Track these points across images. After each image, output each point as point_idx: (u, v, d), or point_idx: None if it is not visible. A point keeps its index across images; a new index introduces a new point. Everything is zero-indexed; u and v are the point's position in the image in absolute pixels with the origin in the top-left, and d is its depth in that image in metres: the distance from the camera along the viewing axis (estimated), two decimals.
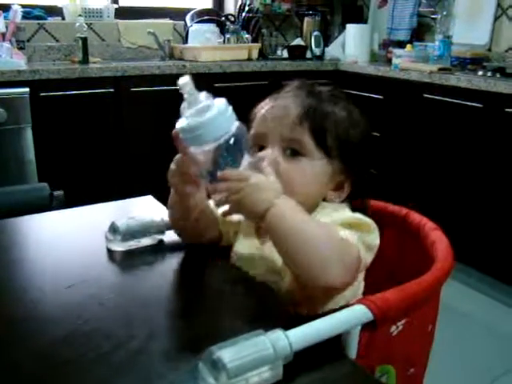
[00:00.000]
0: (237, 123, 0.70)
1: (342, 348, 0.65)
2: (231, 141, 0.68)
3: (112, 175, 2.69)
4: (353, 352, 0.65)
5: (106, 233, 0.89)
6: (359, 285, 0.83)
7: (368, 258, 0.77)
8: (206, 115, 0.67)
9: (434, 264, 0.77)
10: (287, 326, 0.59)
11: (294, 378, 0.57)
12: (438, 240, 0.84)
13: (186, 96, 0.69)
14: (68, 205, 1.43)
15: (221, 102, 0.70)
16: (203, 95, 0.69)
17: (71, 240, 0.95)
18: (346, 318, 0.62)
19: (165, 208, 1.10)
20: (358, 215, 0.79)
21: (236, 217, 0.73)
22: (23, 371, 0.58)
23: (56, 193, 1.47)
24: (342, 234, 0.74)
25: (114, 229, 0.88)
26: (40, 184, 1.59)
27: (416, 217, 0.92)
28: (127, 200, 1.14)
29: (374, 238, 0.78)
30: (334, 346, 0.63)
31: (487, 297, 2.40)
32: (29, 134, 2.38)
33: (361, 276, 0.83)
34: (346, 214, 0.80)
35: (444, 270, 0.75)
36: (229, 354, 0.53)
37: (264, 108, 0.86)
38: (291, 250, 0.70)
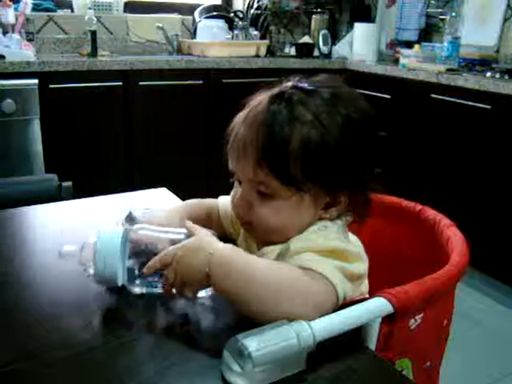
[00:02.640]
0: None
1: (362, 341, 0.66)
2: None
3: (119, 168, 2.69)
4: (372, 345, 0.66)
5: (122, 222, 0.89)
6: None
7: (349, 288, 0.68)
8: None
9: (450, 259, 0.77)
10: None
11: (316, 369, 0.57)
12: (454, 236, 0.84)
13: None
14: (76, 197, 1.43)
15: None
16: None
17: (85, 231, 0.95)
18: (367, 309, 0.63)
19: (179, 199, 1.11)
20: (340, 244, 0.71)
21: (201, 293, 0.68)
22: (44, 360, 0.59)
23: (65, 184, 1.48)
24: (313, 265, 0.66)
25: (130, 218, 0.88)
26: (49, 175, 1.59)
27: (431, 213, 0.92)
28: (141, 191, 1.15)
29: (357, 267, 0.71)
30: (354, 338, 0.63)
31: (490, 298, 2.41)
32: (37, 126, 2.39)
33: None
34: (328, 242, 0.71)
35: (461, 264, 0.75)
36: (254, 342, 0.53)
37: (232, 135, 0.76)
38: (240, 293, 0.63)
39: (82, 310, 0.68)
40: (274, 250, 0.75)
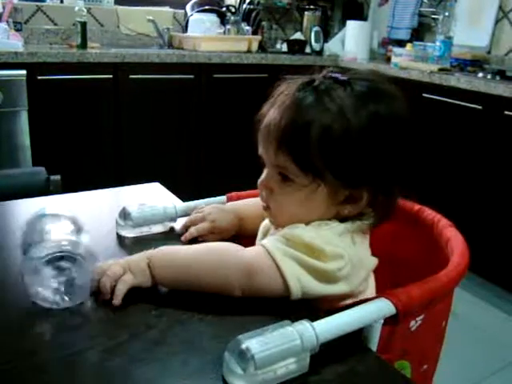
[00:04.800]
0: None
1: (363, 341, 0.64)
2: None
3: (108, 162, 2.66)
4: (373, 346, 0.64)
5: (116, 218, 0.88)
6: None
7: (306, 278, 0.67)
8: None
9: (450, 260, 0.76)
10: (312, 318, 0.58)
11: (319, 371, 0.56)
12: (453, 237, 0.83)
13: None
14: (64, 190, 1.41)
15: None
16: None
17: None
18: (370, 310, 0.62)
19: (173, 195, 1.09)
20: (317, 242, 0.68)
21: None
22: (36, 361, 0.56)
23: (53, 177, 1.45)
24: (268, 244, 0.69)
25: (125, 214, 0.87)
26: (37, 168, 1.56)
27: (429, 213, 0.91)
28: (134, 186, 1.12)
29: (330, 266, 0.68)
30: (356, 339, 0.62)
31: (487, 303, 2.40)
32: (24, 118, 2.34)
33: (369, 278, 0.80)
34: (305, 236, 0.69)
35: (462, 266, 0.74)
36: (257, 344, 0.52)
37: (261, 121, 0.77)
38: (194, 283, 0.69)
39: (72, 309, 0.66)
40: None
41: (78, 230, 0.76)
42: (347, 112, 0.68)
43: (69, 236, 0.74)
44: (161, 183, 1.15)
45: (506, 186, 2.28)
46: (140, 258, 0.70)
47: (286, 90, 0.74)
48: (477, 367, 1.95)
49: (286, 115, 0.70)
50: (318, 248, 0.68)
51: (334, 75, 0.72)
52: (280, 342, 0.53)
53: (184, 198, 1.06)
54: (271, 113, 0.73)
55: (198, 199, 0.96)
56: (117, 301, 0.65)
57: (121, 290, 0.66)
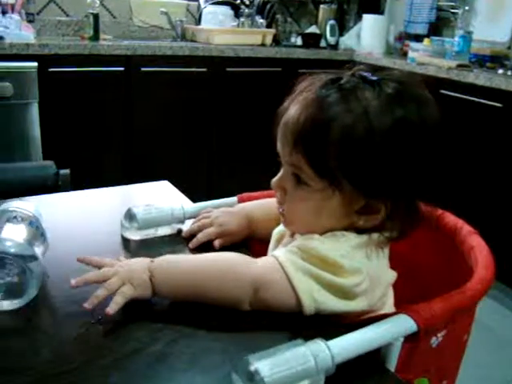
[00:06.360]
0: None
1: (381, 360, 0.60)
2: None
3: (118, 156, 2.63)
4: (392, 365, 0.60)
5: (121, 220, 0.84)
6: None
7: (323, 294, 0.63)
8: None
9: (475, 272, 0.71)
10: (327, 335, 0.53)
11: None
12: (477, 246, 0.78)
13: None
14: (73, 184, 1.38)
15: None
16: None
17: (83, 226, 0.89)
18: (390, 328, 0.57)
19: (182, 194, 1.05)
20: (333, 256, 0.64)
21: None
22: (30, 377, 0.53)
23: (62, 171, 1.43)
24: (280, 256, 0.66)
25: (130, 216, 0.83)
26: (46, 162, 1.54)
27: (451, 219, 0.87)
28: (142, 184, 1.08)
29: (346, 281, 0.64)
30: (373, 357, 0.58)
31: (506, 309, 2.35)
32: (35, 110, 2.31)
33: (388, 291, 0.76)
34: (321, 249, 0.65)
35: (487, 279, 0.70)
36: (267, 366, 0.48)
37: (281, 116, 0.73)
38: (186, 291, 0.66)
39: (70, 320, 0.62)
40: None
41: (35, 234, 0.69)
42: (372, 114, 0.63)
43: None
44: (171, 179, 1.11)
45: None
46: (141, 268, 0.66)
47: (309, 86, 0.68)
48: (494, 375, 1.89)
49: (306, 112, 0.65)
50: (334, 262, 0.63)
51: (363, 74, 0.67)
52: (292, 364, 0.48)
53: (194, 196, 1.02)
54: (292, 108, 0.68)
55: (209, 197, 0.93)
56: (111, 310, 0.60)
57: (118, 302, 0.62)
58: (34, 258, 0.63)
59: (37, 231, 0.69)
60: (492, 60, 2.74)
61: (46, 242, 0.71)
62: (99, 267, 0.66)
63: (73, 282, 0.63)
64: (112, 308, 0.61)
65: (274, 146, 0.72)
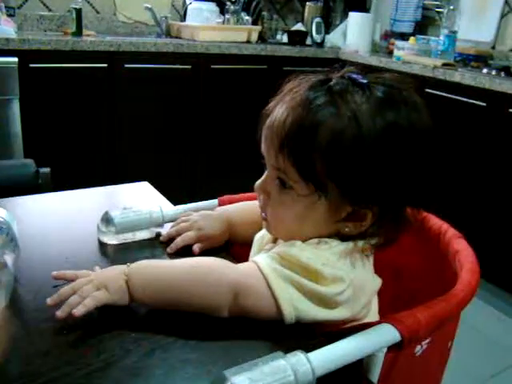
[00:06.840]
0: None
1: (364, 370, 0.58)
2: None
3: (101, 155, 2.58)
4: (375, 375, 0.58)
5: (98, 223, 0.81)
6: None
7: (303, 302, 0.61)
8: None
9: (460, 277, 0.70)
10: (308, 345, 0.52)
11: None
12: (462, 250, 0.77)
13: None
14: (54, 183, 1.35)
15: None
16: None
17: (58, 230, 0.86)
18: (373, 338, 0.56)
19: (162, 196, 1.03)
20: (314, 264, 0.62)
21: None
22: None
23: (42, 170, 1.39)
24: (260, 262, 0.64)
25: (107, 219, 0.80)
26: (26, 160, 1.51)
27: (436, 222, 0.85)
28: (121, 185, 1.05)
29: (327, 290, 0.62)
30: (355, 367, 0.56)
31: (490, 305, 2.35)
32: (16, 107, 2.27)
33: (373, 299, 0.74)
34: (303, 257, 0.63)
35: (472, 284, 0.68)
36: (245, 382, 0.45)
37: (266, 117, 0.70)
38: (163, 297, 0.64)
39: (43, 331, 0.59)
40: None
41: (4, 242, 0.67)
42: (361, 119, 0.61)
43: None
44: (155, 178, 1.09)
45: (508, 183, 2.22)
46: (117, 273, 0.63)
47: (297, 87, 0.66)
48: (476, 370, 1.90)
49: (293, 114, 0.63)
50: (315, 270, 0.61)
51: (352, 76, 0.64)
52: (271, 380, 0.46)
53: (177, 197, 1.00)
54: (278, 110, 0.66)
55: (192, 197, 0.90)
56: (78, 311, 0.58)
57: (87, 304, 0.59)
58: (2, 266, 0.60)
59: (6, 238, 0.66)
60: (476, 59, 2.75)
61: (17, 250, 0.68)
62: (74, 280, 0.64)
63: (49, 301, 0.60)
64: (79, 310, 0.58)
65: (259, 147, 0.70)
